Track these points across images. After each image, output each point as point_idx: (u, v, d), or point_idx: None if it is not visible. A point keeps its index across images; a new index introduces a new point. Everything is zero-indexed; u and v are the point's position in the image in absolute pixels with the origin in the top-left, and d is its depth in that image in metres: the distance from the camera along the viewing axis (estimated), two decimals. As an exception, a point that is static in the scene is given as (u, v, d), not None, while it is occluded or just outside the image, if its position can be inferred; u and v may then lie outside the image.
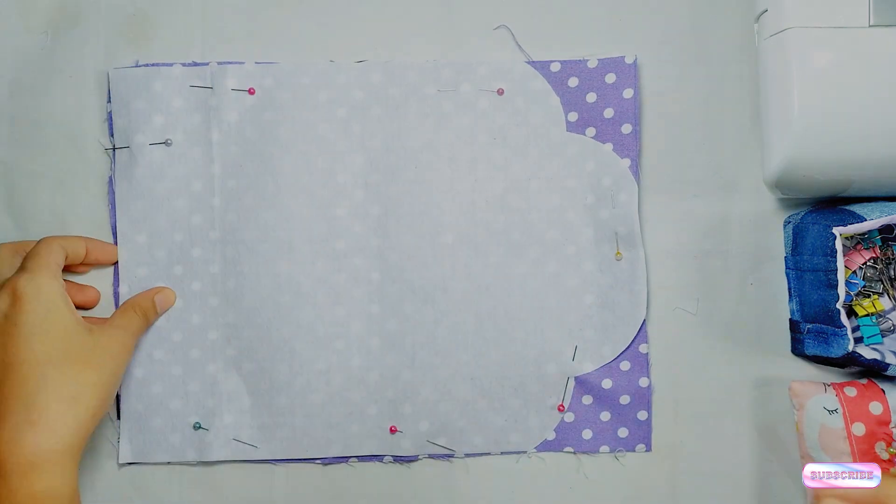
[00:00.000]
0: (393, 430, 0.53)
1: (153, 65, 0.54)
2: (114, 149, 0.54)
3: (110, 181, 0.54)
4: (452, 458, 0.54)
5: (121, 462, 0.54)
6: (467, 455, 0.54)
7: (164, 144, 0.53)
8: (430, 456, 0.54)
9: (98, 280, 0.54)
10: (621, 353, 0.53)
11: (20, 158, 0.54)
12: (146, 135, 0.53)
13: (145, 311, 0.52)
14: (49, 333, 0.46)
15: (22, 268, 0.48)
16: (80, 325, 0.48)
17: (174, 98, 0.53)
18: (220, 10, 0.55)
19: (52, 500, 0.44)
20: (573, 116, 0.54)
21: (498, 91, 0.53)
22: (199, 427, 0.54)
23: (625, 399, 0.53)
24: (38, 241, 0.50)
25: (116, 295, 0.54)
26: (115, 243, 0.54)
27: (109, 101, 0.54)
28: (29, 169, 0.54)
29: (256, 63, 0.54)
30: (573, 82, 0.53)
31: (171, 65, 0.53)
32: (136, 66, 0.54)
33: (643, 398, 0.53)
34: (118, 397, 0.54)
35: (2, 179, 0.55)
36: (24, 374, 0.45)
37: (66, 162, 0.54)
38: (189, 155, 0.53)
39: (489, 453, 0.54)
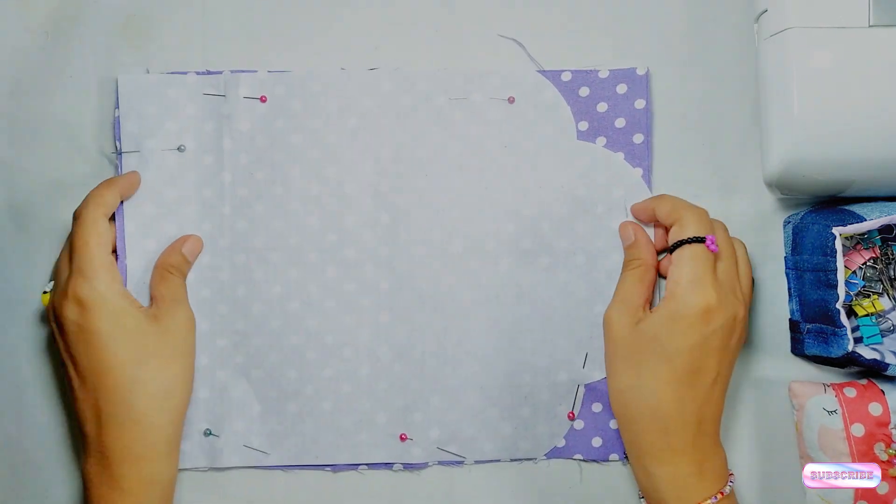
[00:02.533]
0: (403, 438, 0.53)
1: (168, 73, 0.54)
2: (120, 153, 0.54)
3: None
4: (462, 466, 0.54)
5: None
6: (477, 462, 0.54)
7: (177, 150, 0.53)
8: (440, 463, 0.54)
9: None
10: None
11: (20, 158, 0.54)
12: (158, 140, 0.53)
13: (180, 269, 0.52)
14: (125, 336, 0.48)
15: (77, 270, 0.48)
16: (147, 318, 0.49)
17: (187, 105, 0.53)
18: (221, 11, 0.54)
19: (157, 485, 0.48)
20: (584, 126, 0.54)
21: (509, 100, 0.53)
22: (210, 433, 0.54)
23: None
24: (77, 231, 0.49)
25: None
26: (123, 249, 0.53)
27: (117, 106, 0.54)
28: (29, 169, 0.54)
29: (269, 72, 0.54)
30: (584, 92, 0.53)
31: (184, 73, 0.53)
32: (149, 74, 0.54)
33: None
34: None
35: (2, 179, 0.55)
36: (116, 378, 0.47)
37: (66, 162, 0.54)
38: (200, 162, 0.53)
39: (499, 460, 0.54)
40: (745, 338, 0.50)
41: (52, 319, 0.49)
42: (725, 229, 0.50)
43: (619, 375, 0.49)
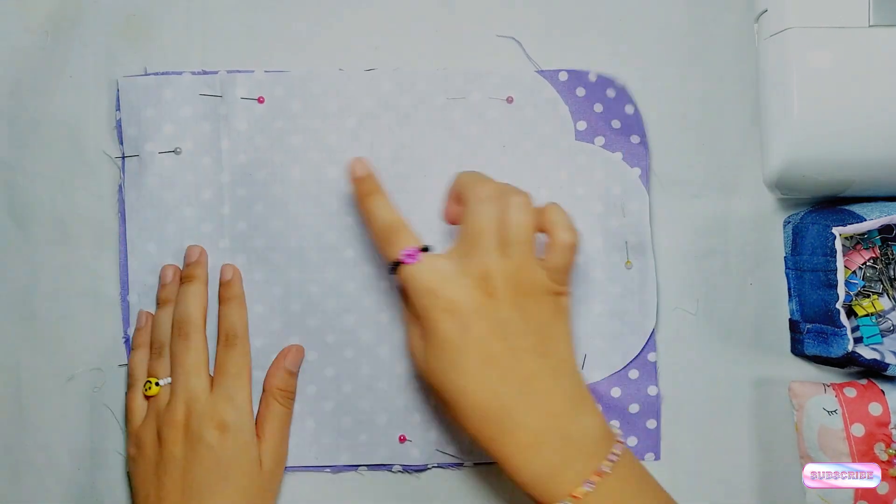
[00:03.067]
0: (402, 440, 0.53)
1: (163, 73, 0.54)
2: (123, 157, 0.54)
3: (120, 189, 0.54)
4: (462, 468, 0.54)
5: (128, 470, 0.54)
6: (476, 464, 0.54)
7: (173, 153, 0.53)
8: (440, 465, 0.54)
9: (105, 288, 0.54)
10: (630, 362, 0.53)
11: (20, 158, 0.54)
12: (156, 143, 0.53)
13: (285, 392, 0.52)
14: (244, 473, 0.49)
15: (226, 396, 0.50)
16: (255, 462, 0.50)
17: (184, 106, 0.53)
18: (220, 11, 0.54)
19: None
20: (582, 125, 0.54)
21: (507, 99, 0.53)
22: None
23: (634, 408, 0.53)
24: (235, 356, 0.51)
25: (125, 303, 0.54)
26: (125, 251, 0.54)
27: (118, 109, 0.54)
28: (29, 169, 0.54)
29: (266, 72, 0.54)
30: (581, 92, 0.53)
31: (180, 73, 0.53)
32: (146, 75, 0.54)
33: (652, 407, 0.53)
34: (126, 405, 0.54)
35: (2, 179, 0.55)
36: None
37: (66, 162, 0.54)
38: (198, 163, 0.53)
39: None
40: (549, 293, 0.45)
41: (167, 422, 0.49)
42: (477, 185, 0.46)
43: (445, 404, 0.45)
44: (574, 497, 0.42)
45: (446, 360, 0.44)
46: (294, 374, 0.53)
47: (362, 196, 0.49)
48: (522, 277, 0.44)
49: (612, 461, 0.42)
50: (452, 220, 0.50)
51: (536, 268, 0.45)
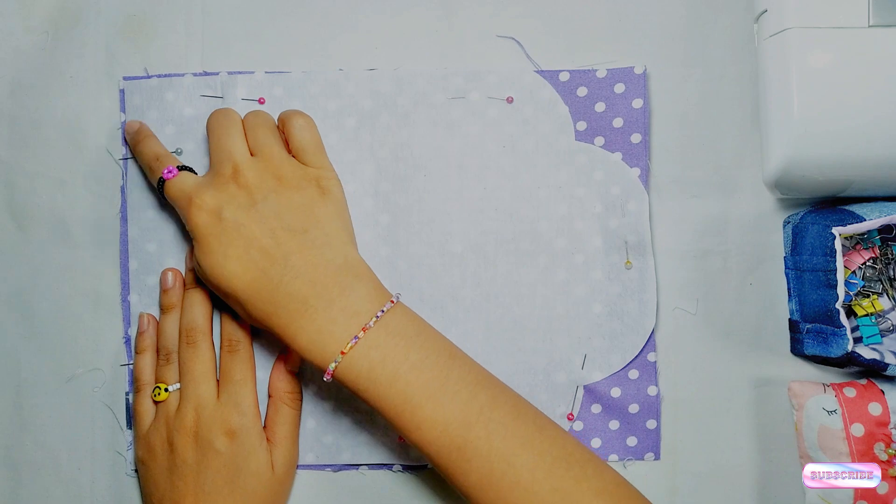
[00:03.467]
0: (402, 440, 0.53)
1: (165, 75, 0.54)
2: (125, 158, 0.54)
3: (122, 191, 0.54)
4: None
5: (130, 470, 0.54)
6: None
7: (175, 153, 0.53)
8: None
9: (106, 288, 0.54)
10: (630, 362, 0.53)
11: (20, 158, 0.55)
12: None
13: (292, 394, 0.53)
14: (254, 476, 0.50)
15: (234, 403, 0.50)
16: (267, 466, 0.51)
17: (185, 108, 0.53)
18: (220, 12, 0.55)
19: None
20: (582, 126, 0.54)
21: (507, 99, 0.53)
22: None
23: (633, 408, 0.53)
24: (239, 364, 0.52)
25: (126, 304, 0.54)
26: (125, 251, 0.54)
27: (123, 111, 0.54)
28: (29, 169, 0.54)
29: (266, 72, 0.54)
30: (582, 92, 0.53)
31: (182, 75, 0.54)
32: (148, 77, 0.54)
33: (652, 407, 0.53)
34: (127, 405, 0.54)
35: (2, 179, 0.55)
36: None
37: (66, 162, 0.54)
38: (200, 164, 0.53)
39: None
40: (307, 175, 0.50)
41: (177, 429, 0.50)
42: (214, 116, 0.51)
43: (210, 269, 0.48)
44: (342, 353, 0.45)
45: (211, 254, 0.47)
46: (295, 375, 0.53)
47: (136, 142, 0.53)
48: (273, 167, 0.49)
49: (377, 317, 0.46)
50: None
51: (285, 158, 0.50)
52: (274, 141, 0.50)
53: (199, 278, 0.51)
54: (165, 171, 0.49)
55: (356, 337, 0.45)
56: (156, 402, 0.52)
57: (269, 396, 0.53)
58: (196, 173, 0.51)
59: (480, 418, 0.45)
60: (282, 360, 0.53)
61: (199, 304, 0.52)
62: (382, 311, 0.46)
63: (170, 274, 0.53)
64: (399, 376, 0.45)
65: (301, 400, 0.53)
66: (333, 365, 0.46)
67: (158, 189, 0.50)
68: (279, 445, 0.51)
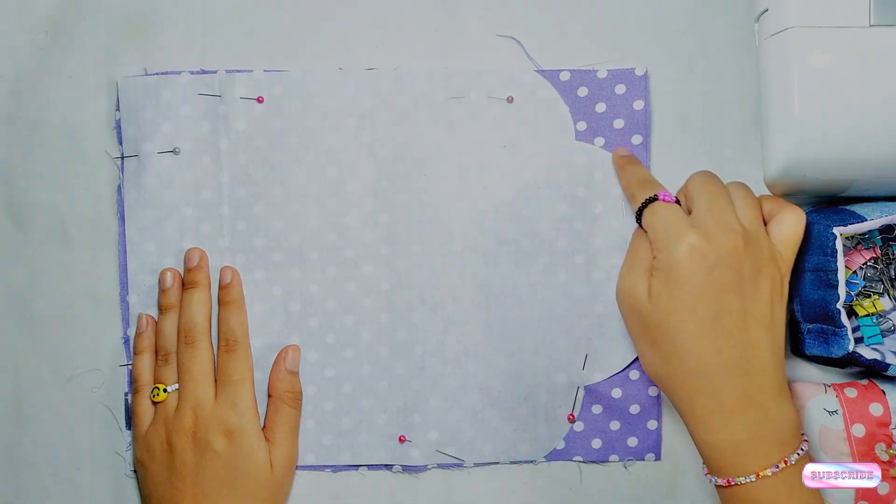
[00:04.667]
0: (402, 440, 0.53)
1: (162, 73, 0.54)
2: (122, 157, 0.54)
3: (119, 190, 0.54)
4: (461, 468, 0.54)
5: (129, 470, 0.54)
6: (476, 465, 0.54)
7: (172, 153, 0.53)
8: (439, 466, 0.54)
9: (105, 288, 0.54)
10: (631, 363, 0.53)
11: (20, 158, 0.54)
12: (154, 143, 0.53)
13: (292, 393, 0.53)
14: (251, 478, 0.50)
15: (231, 403, 0.50)
16: (265, 466, 0.51)
17: (182, 106, 0.53)
18: (220, 11, 0.54)
19: None
20: (582, 126, 0.54)
21: (508, 99, 0.53)
22: None
23: (634, 408, 0.53)
24: (237, 363, 0.51)
25: (125, 303, 0.54)
26: (124, 251, 0.54)
27: (118, 109, 0.54)
28: (29, 169, 0.54)
29: (265, 71, 0.54)
30: (582, 92, 0.53)
31: (178, 73, 0.53)
32: (145, 75, 0.54)
33: (652, 407, 0.53)
34: (127, 406, 0.54)
35: (2, 179, 0.55)
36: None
37: (66, 162, 0.54)
38: (197, 163, 0.53)
39: (498, 462, 0.54)
40: (778, 272, 0.46)
41: (175, 429, 0.50)
42: (704, 173, 0.48)
43: (651, 348, 0.46)
44: (758, 475, 0.43)
45: (681, 299, 0.44)
46: (296, 374, 0.53)
47: (624, 164, 0.52)
48: (760, 246, 0.45)
49: (798, 455, 0.44)
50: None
51: (769, 241, 0.46)
52: (761, 223, 0.47)
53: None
54: (664, 194, 0.47)
55: (777, 466, 0.44)
56: (154, 403, 0.52)
57: (269, 396, 0.53)
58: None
59: None
60: (282, 360, 0.53)
61: (197, 303, 0.52)
62: (803, 451, 0.45)
63: (168, 274, 0.53)
64: None
65: (301, 400, 0.53)
66: (742, 480, 0.44)
67: (642, 207, 0.47)
68: (279, 445, 0.51)
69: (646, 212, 0.47)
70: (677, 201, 0.47)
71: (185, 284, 0.53)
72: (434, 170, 0.53)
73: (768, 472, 0.43)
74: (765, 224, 0.47)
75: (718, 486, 0.45)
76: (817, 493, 0.45)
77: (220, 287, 0.53)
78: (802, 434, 0.46)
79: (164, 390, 0.51)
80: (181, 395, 0.51)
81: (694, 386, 0.44)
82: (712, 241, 0.44)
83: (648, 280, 0.46)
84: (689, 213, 0.46)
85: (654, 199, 0.47)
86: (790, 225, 0.47)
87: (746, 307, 0.44)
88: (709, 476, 0.46)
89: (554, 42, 0.54)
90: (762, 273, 0.45)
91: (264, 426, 0.52)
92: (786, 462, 0.43)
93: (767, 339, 0.45)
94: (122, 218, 0.54)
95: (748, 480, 0.43)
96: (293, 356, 0.53)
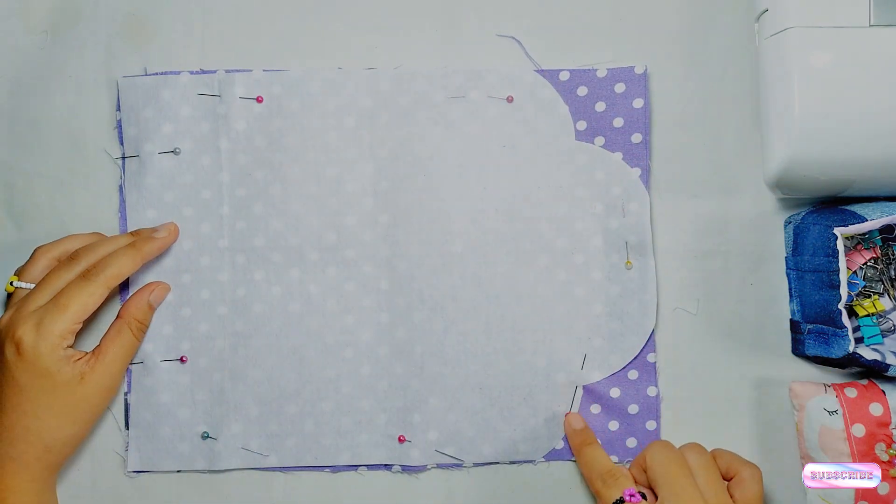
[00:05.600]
0: (402, 440, 0.53)
1: (162, 73, 0.54)
2: (123, 157, 0.54)
3: (120, 190, 0.54)
4: (461, 468, 0.54)
5: (129, 470, 0.54)
6: (475, 465, 0.54)
7: (172, 153, 0.53)
8: (439, 465, 0.54)
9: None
10: (630, 363, 0.53)
11: (20, 158, 0.55)
12: (155, 143, 0.53)
13: (142, 322, 0.53)
14: (40, 391, 0.49)
15: (37, 321, 0.48)
16: (73, 379, 0.49)
17: (182, 106, 0.53)
18: (220, 11, 0.55)
19: None
20: (582, 125, 0.54)
21: (507, 99, 0.53)
22: (208, 436, 0.53)
23: (633, 408, 0.53)
24: (75, 290, 0.49)
25: (124, 302, 0.54)
26: None
27: (119, 109, 0.54)
28: (29, 169, 0.54)
29: (264, 71, 0.54)
30: (582, 91, 0.53)
31: (178, 73, 0.53)
32: (145, 75, 0.54)
33: (651, 408, 0.53)
34: (126, 406, 0.54)
35: (2, 179, 0.55)
36: (10, 422, 0.49)
37: (66, 162, 0.54)
38: (197, 163, 0.53)
39: (497, 462, 0.54)
40: None
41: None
42: (660, 449, 0.49)
43: None
44: None
45: None
46: (153, 310, 0.53)
47: (580, 446, 0.52)
48: None
49: None
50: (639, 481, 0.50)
51: None
52: (724, 491, 0.48)
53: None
54: (628, 494, 0.48)
55: None
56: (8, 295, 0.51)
57: (118, 317, 0.52)
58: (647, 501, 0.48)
59: None
60: (147, 291, 0.53)
61: (105, 246, 0.51)
62: None
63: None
64: None
65: (144, 334, 0.53)
66: None
67: None
68: (103, 363, 0.50)
69: None
70: (642, 495, 0.48)
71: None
72: (434, 170, 0.53)
73: None
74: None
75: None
76: None
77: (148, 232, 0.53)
78: None
79: (11, 283, 0.51)
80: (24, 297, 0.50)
81: None
82: None
83: None
84: (656, 497, 0.47)
85: (621, 500, 0.47)
86: (749, 486, 0.48)
87: None
88: None
89: (553, 42, 0.54)
90: None
91: (100, 342, 0.51)
92: None
93: None
94: (123, 218, 0.54)
95: None
96: (160, 292, 0.53)
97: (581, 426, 0.53)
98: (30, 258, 0.52)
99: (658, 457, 0.48)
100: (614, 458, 0.53)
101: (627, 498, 0.47)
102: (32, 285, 0.50)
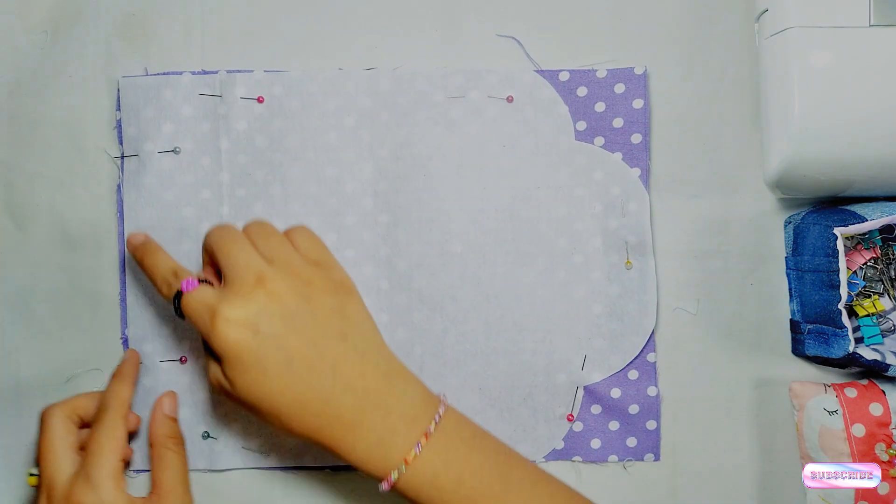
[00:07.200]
0: None
1: (163, 73, 0.54)
2: (122, 157, 0.54)
3: (119, 189, 0.54)
4: None
5: (130, 470, 0.54)
6: None
7: (172, 153, 0.53)
8: None
9: (105, 288, 0.54)
10: (630, 363, 0.53)
11: (20, 158, 0.55)
12: (155, 143, 0.53)
13: (174, 438, 0.51)
14: None
15: (85, 476, 0.46)
16: None
17: (183, 106, 0.53)
18: (220, 11, 0.55)
19: None
20: (582, 126, 0.54)
21: (507, 99, 0.53)
22: (208, 436, 0.53)
23: (633, 408, 0.53)
24: (95, 433, 0.48)
25: (124, 303, 0.54)
26: (124, 251, 0.54)
27: (119, 108, 0.54)
28: (29, 169, 0.54)
29: (265, 71, 0.54)
30: (582, 91, 0.53)
31: (180, 73, 0.54)
32: (146, 75, 0.54)
33: (652, 407, 0.53)
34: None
35: (1, 179, 0.55)
36: None
37: (65, 162, 0.54)
38: (198, 163, 0.53)
39: None
40: (321, 269, 0.46)
41: None
42: (212, 231, 0.47)
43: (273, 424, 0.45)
44: (406, 462, 0.43)
45: (249, 373, 0.43)
46: (176, 420, 0.52)
47: (143, 256, 0.49)
48: (294, 272, 0.45)
49: (436, 421, 0.44)
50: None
51: (305, 262, 0.46)
52: (290, 247, 0.46)
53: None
54: (185, 284, 0.45)
55: (419, 444, 0.44)
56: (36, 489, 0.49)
57: (150, 445, 0.51)
58: (213, 285, 0.46)
59: None
60: (159, 407, 0.52)
61: (120, 384, 0.50)
62: (439, 416, 0.45)
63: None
64: (463, 481, 0.44)
65: (184, 444, 0.51)
66: (396, 474, 0.44)
67: (175, 305, 0.45)
68: (169, 495, 0.48)
69: (183, 309, 0.45)
70: (207, 282, 0.46)
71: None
72: (434, 170, 0.53)
73: (412, 453, 0.44)
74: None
75: (392, 492, 0.45)
76: (477, 442, 0.45)
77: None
78: (441, 399, 0.46)
79: (31, 474, 0.49)
80: (40, 479, 0.48)
81: (312, 426, 0.44)
82: (241, 301, 0.43)
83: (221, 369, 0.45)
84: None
85: (179, 293, 0.45)
86: (300, 234, 0.48)
87: (308, 335, 0.44)
88: (380, 487, 0.45)
89: (553, 42, 0.54)
90: (311, 291, 0.45)
91: (151, 478, 0.49)
92: (426, 435, 0.44)
93: (348, 346, 0.44)
94: (121, 217, 0.54)
95: (402, 472, 0.44)
96: (170, 402, 0.52)
97: (141, 240, 0.50)
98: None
99: (214, 235, 0.46)
100: (614, 458, 0.53)
101: (185, 288, 0.45)
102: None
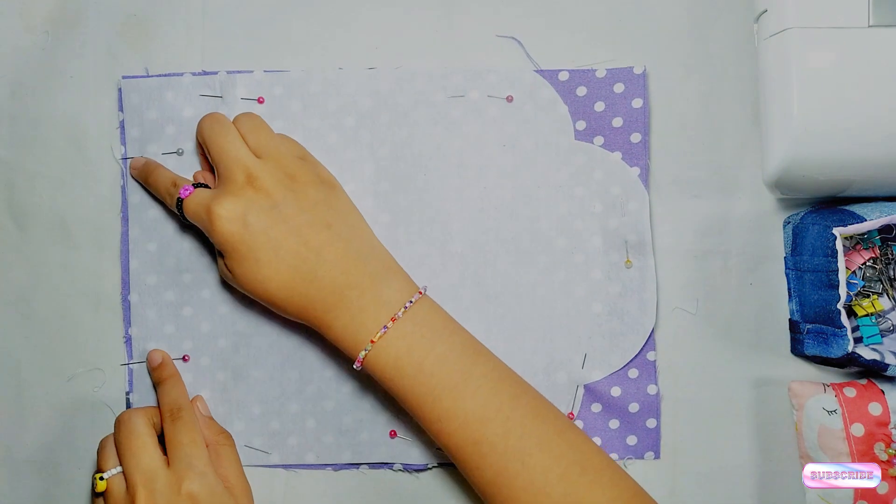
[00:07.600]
0: (393, 435, 0.53)
1: (164, 75, 0.54)
2: (125, 158, 0.54)
3: (123, 190, 0.54)
4: None
5: None
6: None
7: (175, 154, 0.53)
8: (440, 465, 0.54)
9: (106, 288, 0.54)
10: (630, 361, 0.53)
11: (21, 158, 0.55)
12: (158, 144, 0.53)
13: (221, 434, 0.52)
14: None
15: (188, 465, 0.47)
16: None
17: (184, 107, 0.53)
18: (220, 11, 0.55)
19: None
20: (581, 125, 0.54)
21: (507, 98, 0.53)
22: None
23: (633, 407, 0.53)
24: (183, 428, 0.49)
25: (126, 303, 0.54)
26: (126, 251, 0.54)
27: (121, 109, 0.54)
28: (29, 169, 0.55)
29: (265, 71, 0.54)
30: (581, 91, 0.53)
31: (181, 74, 0.54)
32: (147, 76, 0.54)
33: (652, 406, 0.53)
34: (128, 405, 0.54)
35: (2, 179, 0.55)
36: None
37: (66, 162, 0.54)
38: (200, 164, 0.53)
39: None
40: (306, 163, 0.50)
41: None
42: (202, 123, 0.51)
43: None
44: (372, 342, 0.47)
45: (245, 262, 0.47)
46: (212, 418, 0.53)
47: (146, 176, 0.53)
48: (283, 166, 0.49)
49: (406, 307, 0.47)
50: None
51: (291, 157, 0.49)
52: (278, 141, 0.50)
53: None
54: (183, 191, 0.49)
55: (385, 326, 0.47)
56: (99, 496, 0.48)
57: (205, 446, 0.51)
58: (209, 187, 0.50)
59: (499, 415, 0.46)
60: (196, 411, 0.52)
61: (171, 386, 0.52)
62: (411, 302, 0.47)
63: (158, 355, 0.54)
64: (423, 367, 0.46)
65: (231, 435, 0.52)
66: (363, 353, 0.47)
67: (178, 211, 0.50)
68: (236, 486, 0.50)
69: (185, 213, 0.49)
70: (199, 185, 0.50)
71: (154, 381, 0.53)
72: (434, 169, 0.54)
73: (378, 334, 0.46)
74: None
75: (364, 372, 0.48)
76: (446, 335, 0.48)
77: (153, 369, 0.53)
78: (420, 290, 0.49)
79: (101, 478, 0.48)
80: (126, 475, 0.48)
81: (299, 304, 0.48)
82: (231, 197, 0.47)
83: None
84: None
85: (180, 200, 0.49)
86: (250, 127, 0.50)
87: (294, 224, 0.47)
88: (356, 367, 0.48)
89: (553, 42, 0.54)
90: (298, 184, 0.48)
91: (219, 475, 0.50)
92: (393, 319, 0.47)
93: (332, 233, 0.48)
94: (125, 218, 0.54)
95: (367, 351, 0.47)
96: (203, 404, 0.53)
97: (142, 164, 0.53)
98: (97, 455, 0.49)
99: (206, 127, 0.50)
100: (614, 456, 0.53)
101: (183, 194, 0.49)
102: (120, 468, 0.48)
